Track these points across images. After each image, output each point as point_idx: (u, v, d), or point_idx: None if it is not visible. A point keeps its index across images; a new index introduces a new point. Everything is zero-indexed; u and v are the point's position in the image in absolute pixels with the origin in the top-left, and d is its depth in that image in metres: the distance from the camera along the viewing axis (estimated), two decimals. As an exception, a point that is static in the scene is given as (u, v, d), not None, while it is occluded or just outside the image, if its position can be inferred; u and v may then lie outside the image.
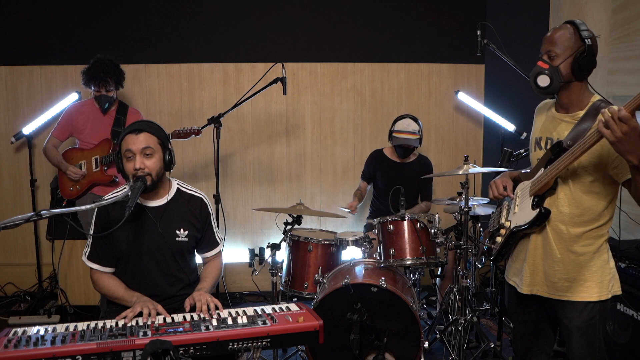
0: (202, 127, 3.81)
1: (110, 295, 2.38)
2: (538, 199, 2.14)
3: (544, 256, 2.16)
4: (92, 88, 3.75)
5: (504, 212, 2.33)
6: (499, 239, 2.27)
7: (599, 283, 2.11)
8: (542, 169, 2.13)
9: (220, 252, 2.61)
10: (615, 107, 1.78)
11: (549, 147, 2.16)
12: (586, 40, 2.04)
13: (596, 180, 2.07)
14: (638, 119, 1.79)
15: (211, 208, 2.55)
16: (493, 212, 2.45)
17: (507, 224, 2.26)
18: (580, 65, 2.05)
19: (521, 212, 2.20)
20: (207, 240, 2.54)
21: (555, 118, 2.17)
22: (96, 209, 2.32)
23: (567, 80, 2.07)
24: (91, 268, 2.40)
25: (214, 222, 2.55)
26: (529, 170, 2.28)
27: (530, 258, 2.19)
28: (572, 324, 2.13)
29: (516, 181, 2.33)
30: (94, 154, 3.74)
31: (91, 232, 2.35)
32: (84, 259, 2.42)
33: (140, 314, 2.14)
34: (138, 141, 2.30)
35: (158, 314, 2.17)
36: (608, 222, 2.13)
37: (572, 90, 2.10)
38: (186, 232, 2.42)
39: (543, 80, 2.10)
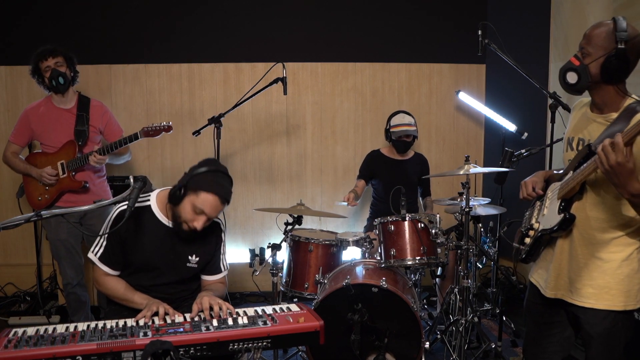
0: (203, 128, 3.76)
1: (117, 296, 2.36)
2: (565, 203, 2.10)
3: (569, 261, 2.12)
4: (41, 70, 3.41)
5: (535, 213, 2.29)
6: (527, 240, 2.25)
7: (625, 292, 2.04)
8: (572, 172, 2.08)
9: (224, 278, 2.57)
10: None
11: (580, 147, 2.11)
12: (619, 42, 1.93)
13: None
14: None
15: (225, 236, 2.53)
16: (526, 212, 2.41)
17: (536, 225, 2.23)
18: (608, 69, 1.96)
19: (549, 215, 2.17)
20: (211, 265, 2.52)
21: (589, 118, 2.11)
22: (118, 212, 2.31)
23: (595, 80, 2.01)
24: (99, 268, 2.38)
25: (223, 249, 2.52)
26: (561, 171, 2.23)
27: (555, 262, 2.16)
28: (593, 330, 2.07)
29: (549, 181, 2.28)
30: (58, 159, 3.46)
31: (106, 233, 2.34)
32: (93, 258, 2.37)
33: (156, 314, 2.14)
34: (216, 209, 2.28)
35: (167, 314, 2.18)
36: (638, 230, 2.04)
37: (605, 91, 2.03)
38: (197, 259, 2.42)
39: (571, 77, 2.04)
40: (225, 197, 2.26)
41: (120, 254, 2.34)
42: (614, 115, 2.01)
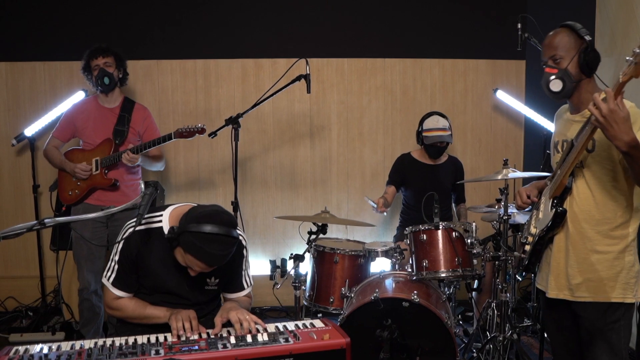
0: (219, 129, 3.72)
1: (129, 315, 2.31)
2: (557, 201, 2.22)
3: (566, 258, 2.22)
4: (91, 67, 3.63)
5: (532, 220, 2.39)
6: (527, 248, 2.34)
7: (623, 284, 2.16)
8: (558, 170, 2.23)
9: (249, 294, 2.50)
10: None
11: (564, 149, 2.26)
12: (585, 37, 2.17)
13: (611, 174, 2.15)
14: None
15: (247, 251, 2.44)
16: (525, 224, 2.51)
17: (534, 230, 2.33)
18: (587, 62, 2.16)
19: (543, 216, 2.28)
20: (232, 283, 2.44)
21: (569, 120, 2.28)
22: (128, 235, 2.26)
23: (577, 79, 2.18)
24: (111, 292, 2.30)
25: (245, 265, 2.44)
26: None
27: (554, 261, 2.25)
28: (593, 326, 2.18)
29: (542, 190, 2.40)
30: (94, 155, 3.63)
31: (117, 257, 2.26)
32: (106, 283, 2.30)
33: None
34: (207, 269, 2.19)
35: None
36: (631, 221, 2.18)
37: (581, 89, 2.20)
38: (217, 281, 2.35)
39: (556, 85, 2.18)
40: (215, 264, 2.15)
41: (134, 277, 2.30)
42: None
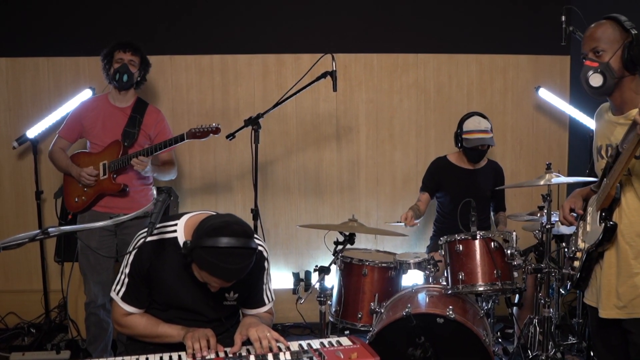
0: (238, 130, 3.66)
1: (146, 335, 2.25)
2: (606, 213, 2.17)
3: (617, 274, 2.18)
4: (114, 58, 3.58)
5: (580, 233, 2.36)
6: (576, 264, 2.30)
7: None
8: (605, 179, 2.17)
9: (270, 309, 2.45)
10: None
11: (610, 154, 2.21)
12: (631, 30, 2.11)
13: None
14: None
15: (268, 263, 2.39)
16: (572, 236, 2.47)
17: (582, 245, 2.29)
18: (631, 57, 2.10)
19: (592, 230, 2.25)
20: (252, 298, 2.39)
21: (611, 122, 2.22)
22: (138, 247, 2.20)
23: (619, 75, 2.13)
24: (120, 307, 2.26)
25: (266, 279, 2.40)
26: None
27: (605, 278, 2.21)
28: None
29: (589, 198, 2.36)
30: (101, 159, 3.56)
31: (127, 270, 2.21)
32: (115, 297, 2.25)
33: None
34: (225, 284, 2.15)
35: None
36: None
37: (624, 87, 2.16)
38: (236, 295, 2.29)
39: (595, 80, 2.13)
40: (233, 279, 2.11)
41: (145, 291, 2.25)
42: (635, 111, 2.06)
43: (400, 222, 3.67)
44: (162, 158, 3.61)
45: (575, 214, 2.34)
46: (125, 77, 3.55)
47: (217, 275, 2.04)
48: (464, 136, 3.85)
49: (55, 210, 3.96)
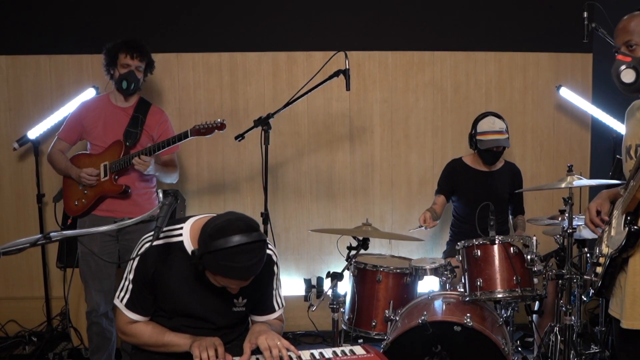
0: (247, 131, 3.64)
1: (151, 344, 2.23)
2: (631, 217, 2.12)
3: None
4: (118, 62, 3.52)
5: (604, 237, 2.31)
6: (599, 270, 2.25)
7: None
8: (632, 181, 2.13)
9: (280, 316, 2.43)
10: None
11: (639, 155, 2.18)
12: None
13: None
14: None
15: (278, 267, 2.38)
16: (597, 240, 2.43)
17: (606, 250, 2.24)
18: None
19: (616, 234, 2.20)
20: (261, 304, 2.37)
21: None
22: (141, 253, 2.19)
23: None
24: (124, 315, 2.24)
25: (276, 284, 2.38)
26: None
27: (629, 286, 2.16)
28: None
29: (616, 200, 2.32)
30: (102, 160, 3.53)
31: (131, 276, 2.18)
32: (119, 304, 2.24)
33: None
34: (242, 285, 2.13)
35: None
36: None
37: None
38: (244, 301, 2.26)
39: (628, 76, 2.09)
40: (250, 276, 2.09)
41: (150, 297, 2.23)
42: None
43: (421, 226, 3.66)
44: (164, 159, 3.57)
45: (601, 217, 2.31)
46: (132, 86, 3.54)
47: (232, 277, 2.02)
48: (478, 137, 3.85)
49: (54, 215, 3.93)
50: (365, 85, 4.49)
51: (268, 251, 2.23)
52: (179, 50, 4.38)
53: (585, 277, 2.37)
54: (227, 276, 2.02)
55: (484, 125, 3.84)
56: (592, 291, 2.35)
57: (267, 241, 2.18)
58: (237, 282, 2.06)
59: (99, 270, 3.47)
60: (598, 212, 2.29)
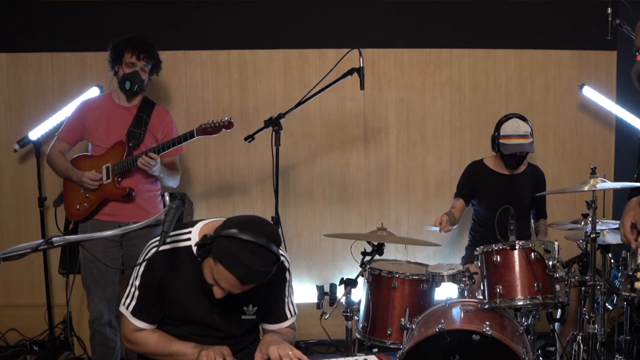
0: (258, 132, 3.62)
1: (157, 353, 2.22)
2: None
3: None
4: (123, 60, 3.50)
5: None
6: (638, 285, 2.23)
7: None
8: None
9: (293, 324, 2.41)
10: None
11: None
12: None
13: None
14: None
15: (290, 274, 2.37)
16: (629, 251, 2.43)
17: None
18: None
19: None
20: (273, 312, 2.35)
21: None
22: (149, 258, 2.19)
23: None
24: (130, 323, 2.24)
25: (288, 291, 2.37)
26: None
27: None
28: None
29: None
30: (104, 162, 3.50)
31: (137, 282, 2.18)
32: (125, 311, 2.23)
33: None
34: (235, 288, 2.07)
35: None
36: None
37: None
38: (255, 309, 2.26)
39: None
40: (249, 282, 2.04)
41: (157, 304, 2.22)
42: None
43: (435, 227, 3.64)
44: (166, 162, 3.53)
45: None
46: (136, 87, 3.51)
47: (233, 271, 1.97)
48: (501, 141, 3.81)
49: (55, 221, 3.90)
50: (380, 84, 4.46)
51: (281, 257, 2.21)
52: (186, 47, 4.37)
53: (623, 294, 2.32)
54: (228, 268, 1.97)
55: (508, 128, 3.80)
56: (626, 304, 2.39)
57: (282, 253, 2.18)
58: (233, 281, 2.00)
59: (102, 277, 3.43)
60: (634, 225, 2.23)
